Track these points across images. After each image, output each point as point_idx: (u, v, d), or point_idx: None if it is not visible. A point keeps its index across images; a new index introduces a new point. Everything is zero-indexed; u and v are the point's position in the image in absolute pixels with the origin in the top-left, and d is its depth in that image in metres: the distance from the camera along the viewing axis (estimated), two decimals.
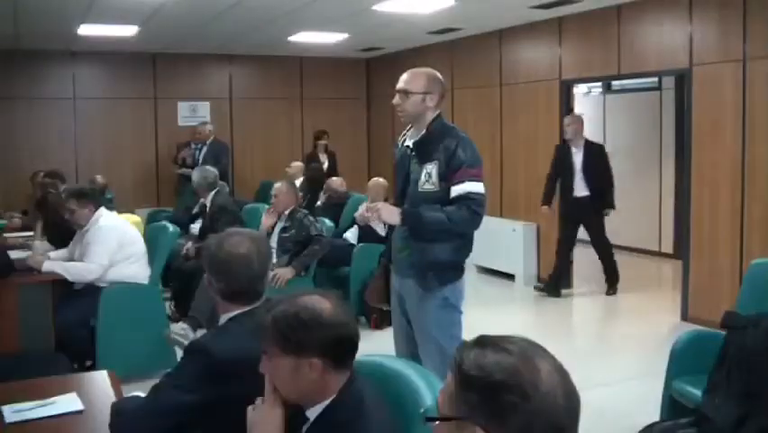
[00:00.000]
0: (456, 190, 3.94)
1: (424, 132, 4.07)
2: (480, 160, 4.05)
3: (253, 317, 2.61)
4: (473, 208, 3.94)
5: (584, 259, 10.20)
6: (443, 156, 3.97)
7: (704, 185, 7.30)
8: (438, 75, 4.17)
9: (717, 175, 7.16)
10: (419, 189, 4.04)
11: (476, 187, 3.96)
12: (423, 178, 4.02)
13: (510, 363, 1.45)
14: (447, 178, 3.96)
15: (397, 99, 4.08)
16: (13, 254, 5.72)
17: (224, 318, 2.73)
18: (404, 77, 4.11)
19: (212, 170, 7.91)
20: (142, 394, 2.64)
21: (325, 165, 11.23)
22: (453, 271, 4.09)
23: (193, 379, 2.50)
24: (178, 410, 2.47)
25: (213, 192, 7.70)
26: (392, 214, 4.00)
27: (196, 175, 7.86)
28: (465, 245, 4.13)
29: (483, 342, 1.53)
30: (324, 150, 11.52)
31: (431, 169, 4.00)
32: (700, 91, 7.29)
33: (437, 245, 4.01)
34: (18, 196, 10.19)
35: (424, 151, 4.05)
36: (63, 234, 6.23)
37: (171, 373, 2.59)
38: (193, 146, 11.23)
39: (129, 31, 9.51)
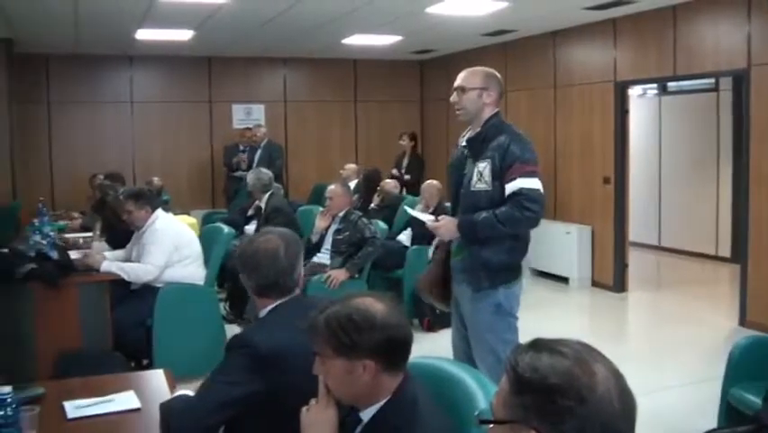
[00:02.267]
0: (509, 188, 3.86)
1: (479, 129, 4.02)
2: (535, 156, 3.96)
3: (288, 308, 2.74)
4: (525, 205, 3.82)
5: (640, 262, 10.12)
6: (496, 154, 3.89)
7: (763, 187, 7.16)
8: (496, 73, 4.10)
9: None
10: (471, 189, 3.99)
11: (529, 183, 3.84)
12: (475, 177, 3.96)
13: (566, 367, 1.44)
14: (501, 176, 3.88)
15: (454, 97, 4.05)
16: (73, 255, 5.84)
17: (262, 313, 2.80)
18: (461, 74, 4.08)
19: (266, 172, 7.99)
20: (190, 393, 2.69)
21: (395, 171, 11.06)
22: (506, 272, 4.01)
23: (240, 372, 2.55)
24: (229, 405, 2.52)
25: (267, 194, 7.77)
26: (451, 231, 4.03)
27: (251, 177, 7.95)
28: (518, 247, 4.04)
29: (538, 345, 1.52)
30: (410, 152, 11.29)
31: (483, 167, 3.93)
32: (759, 92, 7.15)
33: (489, 247, 3.95)
34: (77, 197, 10.39)
35: (477, 148, 4.00)
36: (121, 235, 6.33)
37: (218, 368, 2.63)
38: (241, 148, 11.34)
39: (184, 35, 9.64)
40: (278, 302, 2.78)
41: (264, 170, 8.20)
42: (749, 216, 7.34)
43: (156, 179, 9.54)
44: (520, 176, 3.84)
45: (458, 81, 4.05)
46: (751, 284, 7.35)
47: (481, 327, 4.04)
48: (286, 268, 2.79)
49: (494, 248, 3.95)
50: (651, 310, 8.65)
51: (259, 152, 10.97)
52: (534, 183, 3.86)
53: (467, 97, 4.00)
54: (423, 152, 13.07)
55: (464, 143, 4.13)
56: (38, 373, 4.75)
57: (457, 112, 4.08)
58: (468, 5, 8.01)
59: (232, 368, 2.58)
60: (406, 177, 10.83)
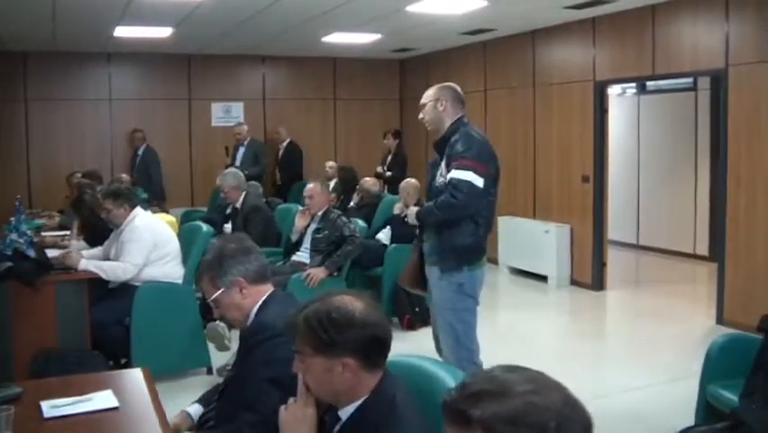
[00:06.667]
0: (447, 178, 4.41)
1: (443, 134, 4.62)
2: (477, 152, 4.43)
3: (279, 295, 2.91)
4: (452, 193, 4.34)
5: (618, 260, 10.16)
6: (450, 151, 4.48)
7: (740, 186, 7.21)
8: (450, 85, 4.74)
9: (754, 176, 7.07)
10: (435, 184, 4.58)
11: (460, 174, 4.34)
12: (438, 173, 4.57)
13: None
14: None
15: (420, 114, 4.74)
16: (50, 253, 5.80)
17: (256, 308, 2.85)
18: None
19: (240, 173, 7.98)
20: (198, 406, 2.92)
21: (379, 168, 11.07)
22: (470, 253, 4.51)
23: (272, 360, 2.59)
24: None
25: (243, 194, 7.74)
26: (413, 216, 4.68)
27: (227, 179, 7.89)
28: (480, 230, 4.51)
29: (501, 392, 1.40)
30: (394, 150, 11.21)
31: (443, 165, 4.52)
32: (737, 91, 7.21)
33: (450, 230, 4.47)
34: (55, 195, 10.32)
35: (441, 150, 4.59)
36: (99, 233, 6.29)
37: (254, 368, 2.67)
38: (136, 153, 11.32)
39: (164, 32, 9.59)
40: (273, 289, 2.91)
41: (237, 170, 8.19)
42: (726, 214, 7.39)
43: (124, 176, 9.42)
44: (455, 168, 4.37)
45: (421, 101, 4.72)
46: (728, 282, 7.40)
47: (444, 305, 4.54)
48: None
49: (458, 232, 4.46)
50: (629, 309, 8.69)
51: (242, 150, 10.94)
52: (464, 175, 4.34)
53: (426, 110, 4.69)
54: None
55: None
56: (15, 372, 4.72)
57: (426, 126, 4.75)
58: (447, 4, 8.02)
59: (261, 363, 2.64)
60: (388, 173, 10.84)
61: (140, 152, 11.26)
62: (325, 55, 12.53)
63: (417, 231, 4.79)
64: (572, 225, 9.37)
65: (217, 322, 5.88)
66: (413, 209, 4.72)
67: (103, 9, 8.02)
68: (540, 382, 1.41)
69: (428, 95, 4.68)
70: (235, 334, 5.63)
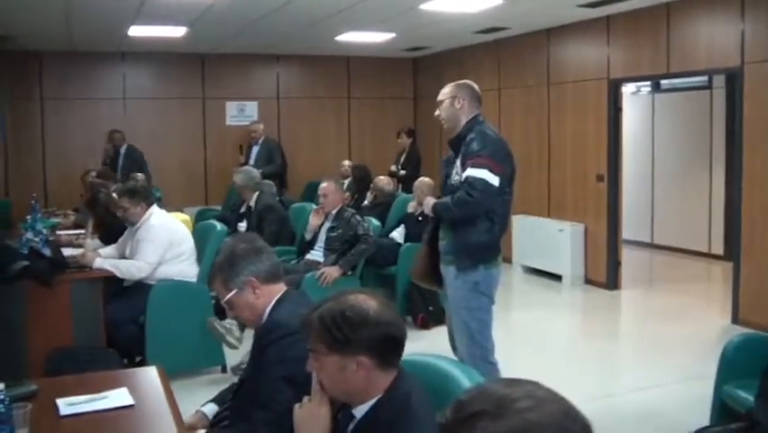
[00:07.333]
0: (463, 176, 4.42)
1: (458, 132, 4.61)
2: (492, 151, 4.43)
3: (293, 293, 2.91)
4: (468, 191, 4.34)
5: (633, 259, 10.13)
6: (465, 149, 4.47)
7: (756, 185, 7.17)
8: (467, 82, 4.73)
9: None
10: (451, 182, 4.58)
11: (475, 172, 4.35)
12: (454, 171, 4.57)
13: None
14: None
15: (437, 111, 4.72)
16: (66, 252, 5.83)
17: (269, 307, 2.84)
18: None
19: (255, 172, 7.99)
20: (213, 405, 2.92)
21: (393, 167, 11.01)
22: (485, 251, 4.51)
23: (285, 359, 2.60)
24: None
25: (257, 193, 7.75)
26: (428, 205, 4.70)
27: (240, 177, 7.90)
28: (495, 228, 4.51)
29: (498, 412, 1.32)
30: (408, 148, 11.18)
31: (458, 163, 4.52)
32: (752, 90, 7.17)
33: (465, 228, 4.47)
34: (71, 194, 10.36)
35: (456, 148, 4.58)
36: (113, 232, 6.32)
37: (267, 366, 2.67)
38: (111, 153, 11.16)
39: (178, 32, 9.61)
40: (285, 288, 2.90)
41: (252, 169, 8.20)
42: (742, 213, 7.36)
43: (140, 175, 9.43)
44: (471, 167, 4.38)
45: (438, 98, 4.71)
46: (744, 282, 7.37)
47: (459, 303, 4.55)
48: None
49: (473, 230, 4.46)
50: (644, 308, 8.65)
51: (256, 149, 10.94)
52: (480, 173, 4.35)
53: (443, 107, 4.67)
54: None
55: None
56: (30, 370, 4.74)
57: (442, 124, 4.73)
58: (461, 2, 8.00)
59: (275, 361, 2.64)
60: (402, 172, 10.82)
61: (122, 151, 10.99)
62: (339, 54, 12.53)
63: (430, 221, 4.80)
64: (587, 224, 9.34)
65: (226, 319, 5.88)
66: (430, 200, 4.72)
67: (117, 9, 8.04)
68: (538, 396, 1.36)
69: (445, 92, 4.67)
70: (249, 333, 5.68)
